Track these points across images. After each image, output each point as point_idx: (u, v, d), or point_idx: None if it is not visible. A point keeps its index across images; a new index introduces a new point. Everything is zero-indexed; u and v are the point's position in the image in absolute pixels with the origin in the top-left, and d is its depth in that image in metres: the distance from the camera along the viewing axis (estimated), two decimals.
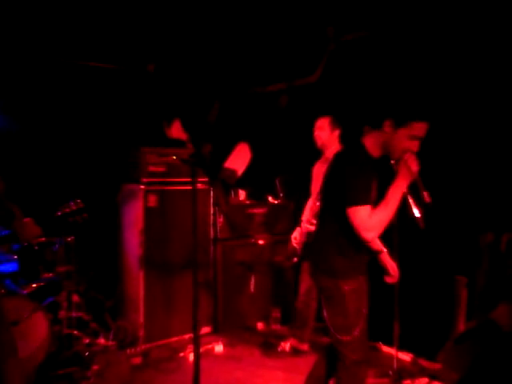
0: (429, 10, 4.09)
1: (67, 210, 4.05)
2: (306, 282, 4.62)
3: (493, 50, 3.96)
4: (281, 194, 5.57)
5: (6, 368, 2.95)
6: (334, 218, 2.85)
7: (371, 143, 2.87)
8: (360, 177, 2.71)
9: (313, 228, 4.38)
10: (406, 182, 2.78)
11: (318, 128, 4.58)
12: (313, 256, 3.03)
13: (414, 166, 2.76)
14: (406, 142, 2.77)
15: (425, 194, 2.86)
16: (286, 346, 4.67)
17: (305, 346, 4.65)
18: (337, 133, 4.58)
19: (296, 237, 4.61)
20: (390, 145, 2.83)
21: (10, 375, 2.96)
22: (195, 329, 2.72)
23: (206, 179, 4.94)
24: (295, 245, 4.61)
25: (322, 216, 2.99)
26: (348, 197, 2.69)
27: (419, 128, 2.77)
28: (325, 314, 2.94)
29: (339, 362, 2.93)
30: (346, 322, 2.84)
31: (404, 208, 3.48)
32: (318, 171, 4.66)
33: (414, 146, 2.79)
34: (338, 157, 2.98)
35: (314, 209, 4.46)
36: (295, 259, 4.65)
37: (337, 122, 4.58)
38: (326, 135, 4.56)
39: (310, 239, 4.39)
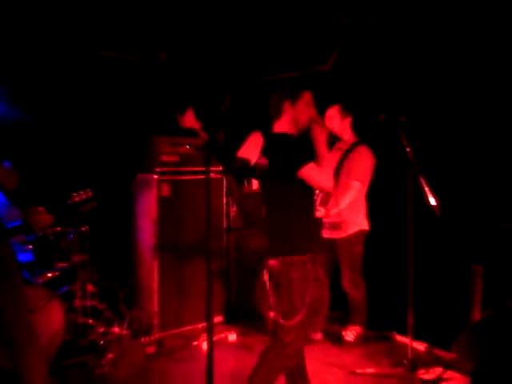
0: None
1: (77, 198, 4.07)
2: None
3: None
4: None
5: (28, 355, 2.98)
6: (277, 203, 3.11)
7: (284, 129, 3.18)
8: (291, 151, 3.04)
9: (320, 215, 4.39)
10: (323, 136, 3.13)
11: (328, 118, 4.53)
12: (264, 241, 3.19)
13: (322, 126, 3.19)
14: (306, 111, 3.16)
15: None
16: None
17: (318, 335, 4.65)
18: (348, 120, 4.54)
19: None
20: (297, 120, 3.17)
21: (32, 362, 2.99)
22: (208, 318, 2.72)
23: (219, 168, 4.95)
24: None
25: (266, 203, 3.20)
26: (292, 165, 3.00)
27: (308, 95, 3.19)
28: (271, 299, 3.10)
29: (272, 341, 3.13)
30: (290, 307, 2.99)
31: (420, 196, 3.47)
32: (331, 159, 4.63)
33: (313, 111, 3.19)
34: (266, 150, 3.23)
35: (325, 195, 4.45)
36: None
37: (347, 110, 4.53)
38: (337, 124, 4.53)
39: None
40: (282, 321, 3.01)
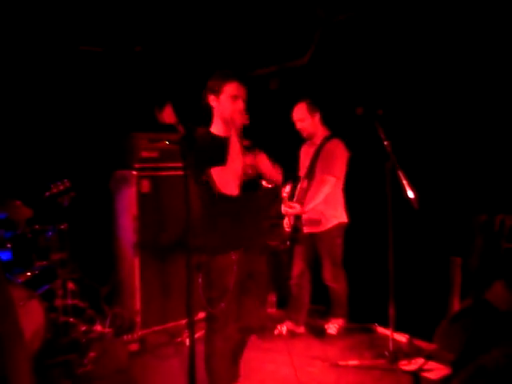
0: None
1: (55, 190, 4.03)
2: (298, 266, 4.63)
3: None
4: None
5: (14, 353, 2.95)
6: (198, 198, 3.10)
7: (216, 125, 3.08)
8: (204, 152, 2.97)
9: (291, 211, 4.40)
10: (234, 135, 2.96)
11: (298, 120, 4.49)
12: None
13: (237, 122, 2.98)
14: (230, 105, 2.99)
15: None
16: (283, 329, 4.69)
17: (301, 329, 4.68)
18: (317, 116, 4.51)
19: (287, 221, 4.60)
20: (221, 114, 3.03)
21: (18, 360, 2.96)
22: (189, 314, 2.72)
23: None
24: (287, 229, 4.61)
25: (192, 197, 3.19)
26: (197, 168, 2.97)
27: (231, 87, 2.98)
28: (199, 287, 3.12)
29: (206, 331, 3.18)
30: (212, 295, 3.06)
31: (398, 189, 3.49)
32: (306, 153, 4.65)
33: (239, 104, 2.99)
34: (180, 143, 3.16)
35: (301, 191, 4.46)
36: (288, 243, 4.65)
37: (314, 105, 4.48)
38: (308, 123, 4.49)
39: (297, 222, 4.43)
40: (208, 308, 3.08)
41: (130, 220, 4.63)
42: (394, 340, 3.96)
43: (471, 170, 4.07)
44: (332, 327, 4.63)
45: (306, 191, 4.44)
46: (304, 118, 4.48)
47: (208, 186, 3.00)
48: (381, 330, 4.57)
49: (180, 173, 4.72)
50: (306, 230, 4.51)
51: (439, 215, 4.18)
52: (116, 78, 4.99)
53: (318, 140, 4.55)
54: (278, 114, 4.96)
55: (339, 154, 4.43)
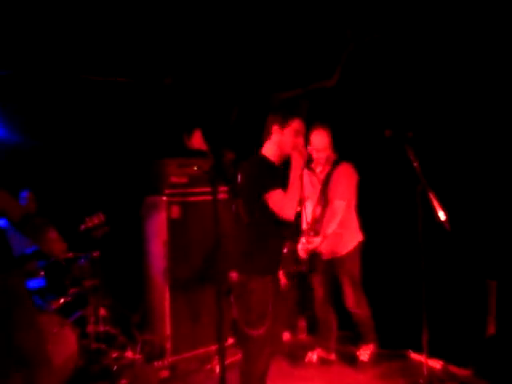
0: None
1: (90, 224, 4.06)
2: (319, 291, 4.56)
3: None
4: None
5: (40, 376, 2.98)
6: (246, 220, 3.14)
7: (269, 151, 3.22)
8: (263, 176, 3.09)
9: (312, 246, 4.33)
10: (299, 166, 3.14)
11: (321, 150, 4.34)
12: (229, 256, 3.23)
13: (303, 156, 3.18)
14: (292, 138, 3.16)
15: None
16: (313, 356, 4.61)
17: (332, 356, 4.60)
18: (331, 139, 4.41)
19: (302, 248, 4.49)
20: (282, 145, 3.19)
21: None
22: (220, 340, 2.71)
23: (227, 189, 4.94)
24: (302, 256, 4.50)
25: (236, 220, 3.25)
26: (260, 189, 3.04)
27: (297, 123, 3.15)
28: (234, 310, 3.14)
29: (242, 353, 3.18)
30: (251, 317, 3.06)
31: (430, 212, 3.45)
32: (311, 180, 4.56)
33: (301, 140, 3.20)
34: (242, 168, 3.26)
35: (314, 216, 4.41)
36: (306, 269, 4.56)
37: (329, 128, 4.39)
38: (327, 144, 4.37)
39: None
40: (246, 330, 3.08)
41: (160, 246, 4.66)
42: (428, 366, 3.85)
43: (504, 189, 4.00)
44: (364, 354, 4.54)
45: (320, 219, 4.38)
46: (327, 147, 4.38)
47: (264, 209, 3.07)
48: (414, 355, 4.47)
49: (209, 198, 4.79)
50: (325, 256, 4.43)
51: (473, 237, 4.10)
52: (146, 106, 5.08)
53: (328, 165, 4.46)
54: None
55: (348, 177, 4.34)
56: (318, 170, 4.48)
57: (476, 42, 4.02)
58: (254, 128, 4.93)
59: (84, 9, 4.39)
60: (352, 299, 4.45)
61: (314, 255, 4.38)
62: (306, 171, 4.48)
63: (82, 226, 4.04)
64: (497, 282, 3.81)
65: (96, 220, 4.10)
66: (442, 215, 3.41)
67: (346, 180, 4.36)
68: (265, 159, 3.20)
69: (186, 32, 4.75)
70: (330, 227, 4.30)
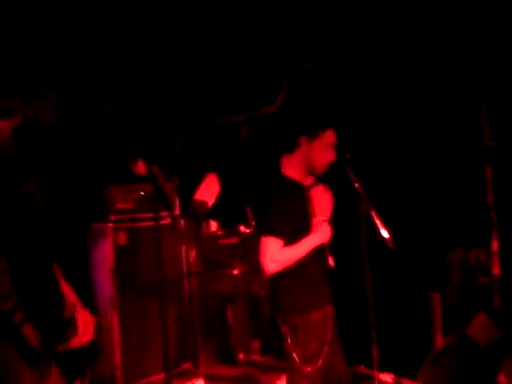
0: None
1: None
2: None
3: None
4: (252, 223, 5.53)
5: None
6: None
7: (293, 168, 2.88)
8: (273, 212, 2.74)
9: None
10: (320, 240, 2.88)
11: None
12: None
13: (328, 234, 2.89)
14: (323, 152, 2.85)
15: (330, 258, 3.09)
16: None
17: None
18: None
19: None
20: (310, 160, 2.86)
21: None
22: (166, 368, 2.69)
23: (176, 213, 4.90)
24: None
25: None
26: (263, 226, 2.78)
27: (329, 135, 2.88)
28: (288, 342, 2.94)
29: None
30: (307, 352, 2.88)
31: (372, 230, 3.52)
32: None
33: (331, 154, 2.88)
34: (260, 193, 3.03)
35: None
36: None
37: None
38: None
39: None
40: (299, 365, 2.86)
41: (106, 273, 4.57)
42: (380, 381, 3.90)
43: (444, 206, 4.14)
44: None
45: None
46: None
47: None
48: (365, 371, 4.52)
49: (156, 223, 4.73)
50: None
51: (415, 253, 4.21)
52: (87, 132, 5.00)
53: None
54: (248, 163, 5.01)
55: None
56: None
57: (410, 68, 4.17)
58: (198, 153, 4.96)
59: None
60: None
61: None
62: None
63: None
64: (440, 294, 3.92)
65: None
66: (384, 233, 3.48)
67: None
68: (287, 182, 2.84)
69: (126, 58, 4.73)
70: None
